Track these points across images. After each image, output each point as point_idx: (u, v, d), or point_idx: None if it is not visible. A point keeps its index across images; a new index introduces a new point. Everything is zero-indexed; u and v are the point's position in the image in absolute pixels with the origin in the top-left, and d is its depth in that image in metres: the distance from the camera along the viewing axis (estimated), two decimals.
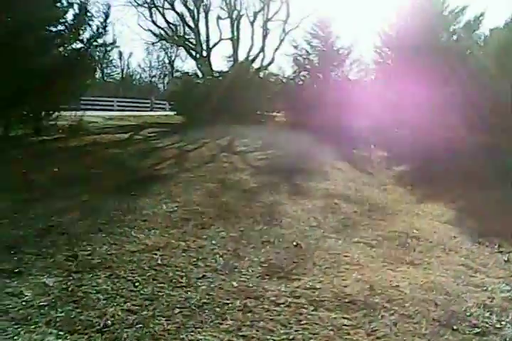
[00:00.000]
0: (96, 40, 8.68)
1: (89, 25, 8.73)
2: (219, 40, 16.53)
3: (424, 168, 8.42)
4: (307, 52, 14.85)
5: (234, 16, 15.69)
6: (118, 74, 41.95)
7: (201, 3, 15.65)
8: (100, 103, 29.30)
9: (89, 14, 8.65)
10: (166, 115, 15.08)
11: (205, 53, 16.29)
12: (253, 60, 15.80)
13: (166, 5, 15.79)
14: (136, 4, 16.03)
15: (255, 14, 15.31)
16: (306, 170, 7.32)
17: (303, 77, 14.67)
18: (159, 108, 30.28)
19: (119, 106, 29.68)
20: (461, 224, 4.99)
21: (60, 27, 8.57)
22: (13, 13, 7.11)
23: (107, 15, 8.64)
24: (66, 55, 8.57)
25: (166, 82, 40.84)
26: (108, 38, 8.57)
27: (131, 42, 34.07)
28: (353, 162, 8.74)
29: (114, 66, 41.41)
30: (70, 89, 8.73)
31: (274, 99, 14.69)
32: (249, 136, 10.82)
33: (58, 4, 8.40)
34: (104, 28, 8.65)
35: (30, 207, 4.18)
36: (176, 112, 13.97)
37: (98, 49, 8.72)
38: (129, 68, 42.19)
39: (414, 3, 13.64)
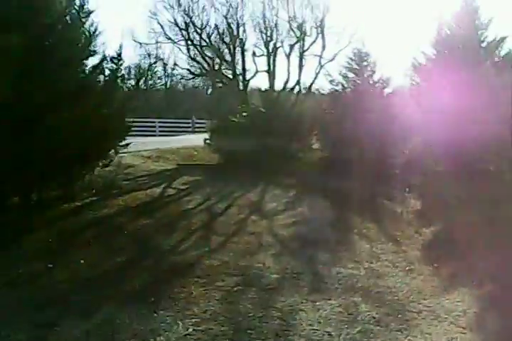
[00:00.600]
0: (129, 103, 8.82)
1: (122, 89, 8.90)
2: (255, 73, 16.64)
3: (460, 228, 8.25)
4: (343, 86, 14.83)
5: (270, 49, 15.76)
6: (162, 85, 42.49)
7: (237, 38, 15.77)
8: (143, 125, 29.95)
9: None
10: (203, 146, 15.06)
11: (242, 86, 16.42)
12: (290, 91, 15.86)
13: (203, 42, 15.96)
14: (174, 41, 16.24)
15: (291, 47, 15.37)
16: (332, 241, 7.31)
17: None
18: (201, 127, 30.59)
19: (160, 127, 30.19)
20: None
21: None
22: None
23: (137, 80, 8.74)
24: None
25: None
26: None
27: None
28: (381, 222, 8.66)
29: (158, 77, 42.09)
30: (106, 149, 8.90)
31: (311, 131, 14.72)
32: (281, 184, 10.87)
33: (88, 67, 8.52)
34: (136, 89, 8.78)
35: None
36: (212, 148, 14.06)
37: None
38: (172, 80, 42.60)
39: (452, 34, 13.49)
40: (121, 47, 7.90)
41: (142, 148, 14.82)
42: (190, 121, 31.33)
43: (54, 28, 7.01)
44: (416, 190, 11.00)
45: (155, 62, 53.87)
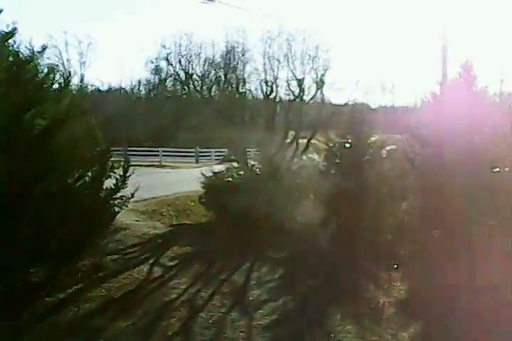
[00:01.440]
0: (115, 194, 8.95)
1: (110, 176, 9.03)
2: None
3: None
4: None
5: None
6: None
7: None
8: (147, 154, 30.26)
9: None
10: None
11: None
12: None
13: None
14: None
15: (289, 103, 15.52)
16: None
17: None
18: (205, 156, 30.80)
19: (164, 155, 30.43)
20: None
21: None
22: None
23: (125, 171, 8.89)
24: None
25: None
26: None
27: None
28: (361, 321, 8.65)
29: None
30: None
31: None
32: (270, 260, 10.93)
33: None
34: (124, 181, 8.91)
35: None
36: (206, 206, 14.17)
37: (116, 202, 8.95)
38: None
39: None
40: None
41: (140, 194, 14.83)
42: (193, 150, 31.56)
43: None
44: (405, 266, 10.91)
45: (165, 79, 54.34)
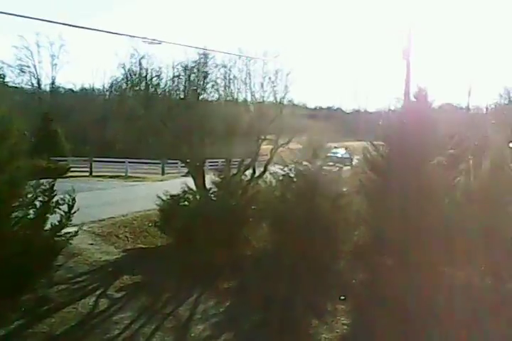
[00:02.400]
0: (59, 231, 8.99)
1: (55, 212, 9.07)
2: None
3: None
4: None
5: None
6: None
7: None
8: (112, 166, 30.21)
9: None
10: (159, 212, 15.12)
11: None
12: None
13: None
14: None
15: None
16: None
17: None
18: (172, 166, 30.79)
19: (130, 166, 30.38)
20: None
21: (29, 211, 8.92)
22: None
23: (70, 207, 8.93)
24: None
25: None
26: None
27: None
28: None
29: None
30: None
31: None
32: (217, 289, 11.00)
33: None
34: (68, 218, 8.96)
35: None
36: (161, 230, 14.25)
37: (61, 238, 9.00)
38: None
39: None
40: None
41: (98, 213, 14.88)
42: (160, 161, 31.56)
43: None
44: (354, 297, 11.05)
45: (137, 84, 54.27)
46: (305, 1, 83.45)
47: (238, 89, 15.75)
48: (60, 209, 8.98)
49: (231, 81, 15.94)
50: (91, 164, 31.67)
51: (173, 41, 13.96)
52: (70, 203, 8.74)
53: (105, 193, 20.52)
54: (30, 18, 8.10)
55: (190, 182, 15.88)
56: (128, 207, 17.98)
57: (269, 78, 15.89)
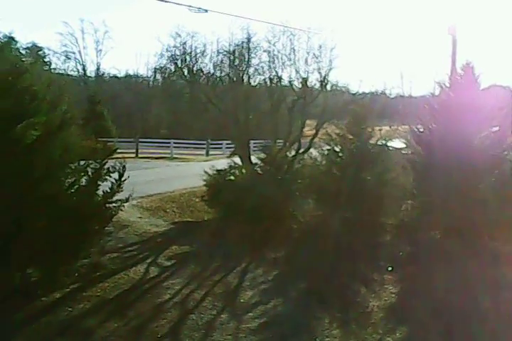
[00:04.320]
0: (110, 198, 9.21)
1: (106, 180, 9.28)
2: None
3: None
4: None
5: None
6: None
7: None
8: (157, 148, 30.59)
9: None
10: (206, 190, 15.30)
11: None
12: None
13: None
14: None
15: (293, 102, 15.63)
16: None
17: None
18: (216, 148, 31.03)
19: (176, 147, 30.69)
20: None
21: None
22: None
23: (120, 175, 9.13)
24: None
25: None
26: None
27: None
28: (348, 325, 8.79)
29: None
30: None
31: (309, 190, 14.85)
32: (265, 260, 11.13)
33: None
34: (119, 185, 9.16)
35: None
36: (208, 204, 14.44)
37: (112, 205, 9.21)
38: None
39: None
40: None
41: (146, 190, 15.08)
42: (205, 142, 31.78)
43: None
44: (401, 268, 11.01)
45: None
46: None
47: (283, 64, 15.70)
48: (110, 176, 9.15)
49: (275, 56, 15.90)
50: (137, 145, 32.10)
51: (218, 10, 13.83)
52: (121, 171, 8.85)
53: (151, 172, 20.84)
54: None
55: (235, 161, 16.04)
56: (174, 184, 18.23)
57: (314, 53, 15.81)
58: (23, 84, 7.48)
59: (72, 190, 8.25)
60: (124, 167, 8.96)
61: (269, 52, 16.11)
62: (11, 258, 8.18)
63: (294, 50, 15.56)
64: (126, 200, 9.17)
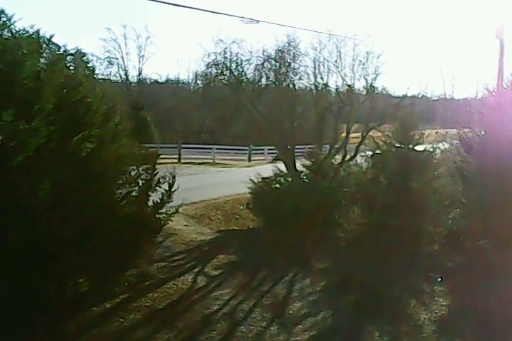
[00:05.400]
0: (160, 208, 9.26)
1: (156, 191, 9.35)
2: None
3: None
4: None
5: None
6: None
7: None
8: (199, 154, 30.77)
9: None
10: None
11: None
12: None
13: None
14: None
15: (339, 109, 15.54)
16: None
17: None
18: (258, 153, 31.04)
19: (217, 153, 30.80)
20: None
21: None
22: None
23: (170, 186, 9.18)
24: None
25: None
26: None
27: None
28: (400, 336, 8.71)
29: None
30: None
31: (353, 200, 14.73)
32: (312, 270, 11.04)
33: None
34: (169, 195, 9.21)
35: None
36: (253, 212, 14.44)
37: (162, 216, 9.27)
38: None
39: None
40: None
41: (190, 197, 15.09)
42: (247, 148, 31.79)
43: None
44: (451, 279, 10.82)
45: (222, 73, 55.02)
46: None
47: (328, 71, 15.63)
48: (160, 187, 9.20)
49: (321, 64, 15.83)
50: (179, 151, 32.31)
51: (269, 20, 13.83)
52: (171, 181, 8.89)
53: (195, 178, 20.95)
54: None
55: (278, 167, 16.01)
56: (218, 191, 18.29)
57: (360, 60, 15.70)
58: (78, 97, 7.55)
59: (125, 201, 8.28)
60: (174, 177, 8.99)
61: (314, 58, 16.04)
62: (64, 267, 8.26)
63: (341, 56, 15.43)
64: (176, 211, 9.18)
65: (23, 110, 6.47)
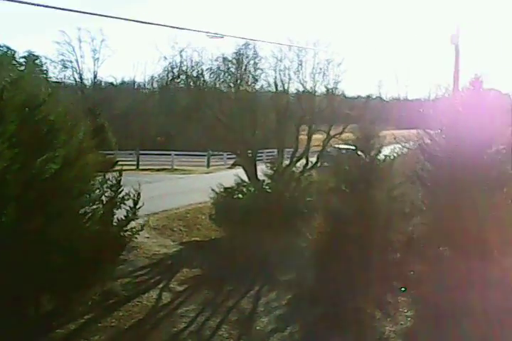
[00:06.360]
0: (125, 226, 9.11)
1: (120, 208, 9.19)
2: None
3: None
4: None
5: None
6: None
7: None
8: (158, 159, 30.49)
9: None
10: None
11: None
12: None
13: None
14: None
15: (300, 119, 15.59)
16: None
17: None
18: (217, 157, 30.91)
19: (176, 159, 30.58)
20: None
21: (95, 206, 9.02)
22: None
23: (135, 203, 9.04)
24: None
25: None
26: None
27: None
28: None
29: None
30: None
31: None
32: (278, 283, 10.99)
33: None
34: (134, 213, 9.07)
35: None
36: (216, 223, 14.35)
37: (126, 233, 9.11)
38: None
39: None
40: None
41: (151, 207, 14.89)
42: (205, 153, 31.68)
43: None
44: (414, 288, 10.91)
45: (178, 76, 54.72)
46: None
47: (289, 79, 15.66)
48: (125, 204, 9.05)
49: (281, 72, 15.86)
50: (138, 157, 31.96)
51: (234, 35, 13.78)
52: (135, 198, 8.76)
53: (154, 186, 20.75)
54: (73, 11, 8.03)
55: (238, 174, 15.97)
56: (179, 200, 18.16)
57: (320, 68, 15.79)
58: (40, 116, 7.38)
59: (90, 220, 8.13)
60: (138, 194, 8.86)
61: (275, 66, 16.06)
62: (25, 288, 8.06)
63: (302, 65, 15.48)
64: (141, 228, 9.06)
65: None
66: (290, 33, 31.10)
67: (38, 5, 7.33)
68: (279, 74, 15.69)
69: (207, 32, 10.52)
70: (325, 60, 15.59)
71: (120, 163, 29.72)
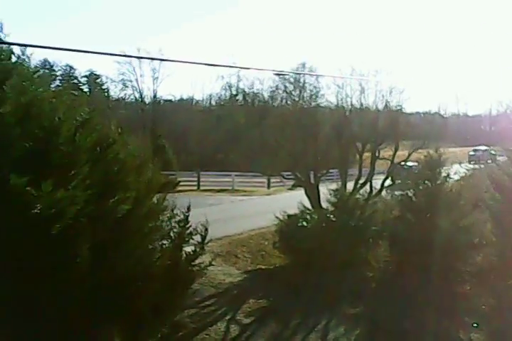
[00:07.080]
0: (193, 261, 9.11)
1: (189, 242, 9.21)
2: None
3: None
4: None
5: None
6: None
7: None
8: (218, 179, 30.67)
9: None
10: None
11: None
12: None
13: None
14: None
15: None
16: None
17: None
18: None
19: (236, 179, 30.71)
20: None
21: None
22: None
23: (203, 238, 9.05)
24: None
25: None
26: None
27: None
28: None
29: None
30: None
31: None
32: (344, 316, 10.82)
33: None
34: (202, 248, 9.07)
35: None
36: (281, 251, 14.32)
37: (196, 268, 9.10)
38: None
39: None
40: None
41: (214, 232, 14.89)
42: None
43: None
44: (488, 324, 10.55)
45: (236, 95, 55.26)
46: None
47: (351, 105, 15.55)
48: (193, 239, 9.06)
49: (343, 99, 15.77)
50: (198, 178, 32.23)
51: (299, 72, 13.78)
52: (203, 233, 8.76)
53: (216, 209, 20.86)
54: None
55: (299, 196, 15.87)
56: (242, 225, 18.14)
57: (383, 96, 15.63)
58: (111, 155, 7.47)
59: (161, 257, 8.17)
60: (206, 229, 8.86)
61: (337, 95, 15.97)
62: (93, 318, 8.11)
63: (364, 92, 15.36)
64: (210, 264, 9.03)
65: (59, 177, 6.36)
66: (351, 61, 31.02)
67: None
68: (341, 100, 15.54)
69: (272, 70, 10.54)
70: (388, 88, 15.35)
71: (181, 183, 30.31)
